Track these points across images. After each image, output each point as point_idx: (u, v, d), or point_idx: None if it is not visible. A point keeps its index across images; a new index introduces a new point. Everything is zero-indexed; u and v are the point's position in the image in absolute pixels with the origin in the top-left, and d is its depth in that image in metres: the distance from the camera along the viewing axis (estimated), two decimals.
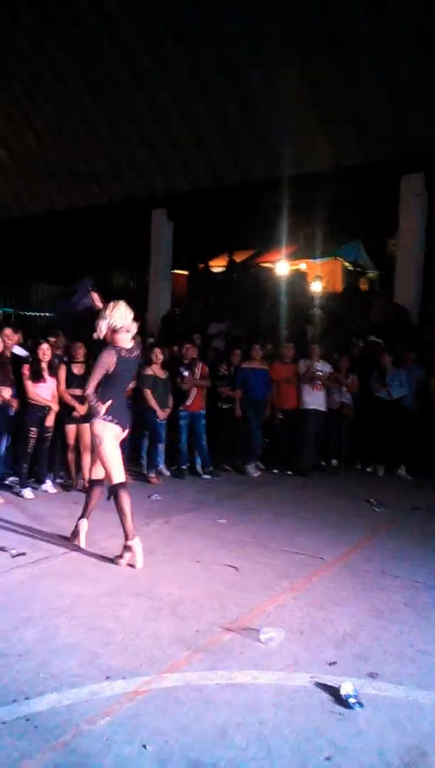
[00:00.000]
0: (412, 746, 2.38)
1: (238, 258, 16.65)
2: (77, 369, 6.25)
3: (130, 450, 6.91)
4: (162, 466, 7.12)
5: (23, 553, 4.29)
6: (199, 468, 7.21)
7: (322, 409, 7.59)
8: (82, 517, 4.54)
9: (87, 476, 6.18)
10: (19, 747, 2.27)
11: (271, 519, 5.51)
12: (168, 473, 7.12)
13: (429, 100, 9.50)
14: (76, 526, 4.53)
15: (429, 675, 2.91)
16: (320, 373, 7.53)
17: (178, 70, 10.96)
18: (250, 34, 9.89)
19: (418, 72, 9.28)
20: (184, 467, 7.13)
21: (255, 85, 10.53)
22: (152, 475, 6.76)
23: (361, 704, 2.62)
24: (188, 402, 7.06)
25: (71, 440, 6.25)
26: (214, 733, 2.39)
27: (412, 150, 9.99)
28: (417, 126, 9.73)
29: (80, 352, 6.26)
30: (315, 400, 7.52)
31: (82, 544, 4.47)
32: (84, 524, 4.51)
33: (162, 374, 6.88)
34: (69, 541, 4.54)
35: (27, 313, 17.35)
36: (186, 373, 7.06)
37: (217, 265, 16.93)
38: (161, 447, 7.02)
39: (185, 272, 16.79)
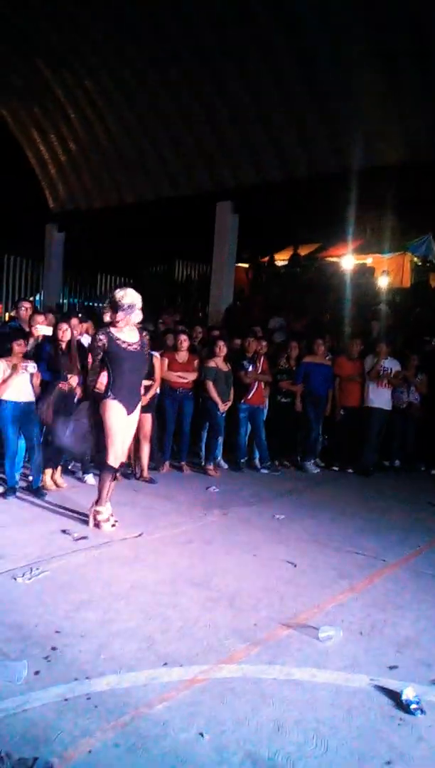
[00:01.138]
0: None
1: (303, 252, 16.44)
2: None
3: (190, 441, 6.97)
4: (220, 459, 7.14)
5: (85, 537, 4.40)
6: (257, 462, 7.19)
7: (387, 408, 7.39)
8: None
9: (145, 464, 6.33)
10: (80, 724, 2.33)
11: (330, 517, 5.42)
12: (226, 466, 7.13)
13: None
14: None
15: None
16: (387, 371, 7.34)
17: (250, 62, 10.89)
18: (325, 26, 9.69)
19: None
20: (242, 461, 7.13)
21: (328, 76, 10.33)
22: (211, 467, 6.79)
23: (422, 711, 2.54)
24: (249, 395, 7.04)
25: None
26: (270, 727, 2.38)
27: None
28: None
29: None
30: (380, 398, 7.33)
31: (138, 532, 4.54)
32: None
33: (224, 367, 6.88)
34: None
35: (93, 304, 17.75)
36: (249, 367, 7.04)
37: (281, 259, 16.76)
38: (220, 439, 7.03)
39: (245, 265, 16.69)
